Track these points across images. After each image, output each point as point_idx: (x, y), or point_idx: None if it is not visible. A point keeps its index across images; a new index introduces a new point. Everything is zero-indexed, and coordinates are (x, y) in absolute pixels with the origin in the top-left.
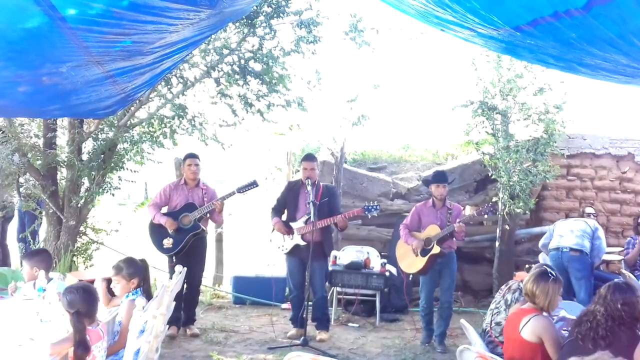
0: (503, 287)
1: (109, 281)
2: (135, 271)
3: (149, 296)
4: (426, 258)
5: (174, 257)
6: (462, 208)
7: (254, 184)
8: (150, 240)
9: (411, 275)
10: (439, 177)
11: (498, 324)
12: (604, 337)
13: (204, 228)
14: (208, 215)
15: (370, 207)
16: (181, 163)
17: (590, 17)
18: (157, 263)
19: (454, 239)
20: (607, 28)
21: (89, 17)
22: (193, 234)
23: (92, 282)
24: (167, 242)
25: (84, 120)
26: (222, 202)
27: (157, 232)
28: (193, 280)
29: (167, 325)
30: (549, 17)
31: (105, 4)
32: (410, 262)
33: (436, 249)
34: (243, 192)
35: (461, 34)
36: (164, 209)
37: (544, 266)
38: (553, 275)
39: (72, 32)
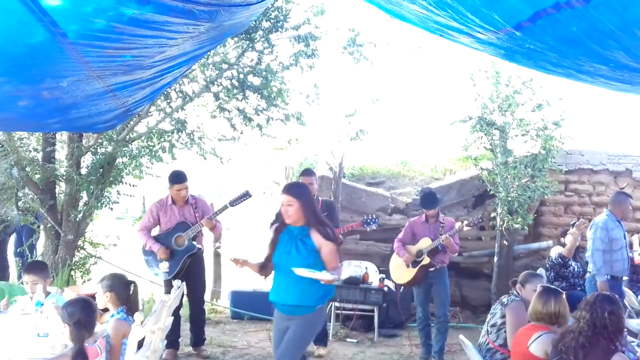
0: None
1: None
2: (111, 285)
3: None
4: (416, 269)
5: (172, 281)
6: (454, 222)
7: (246, 195)
8: (145, 267)
9: (402, 287)
10: (427, 204)
11: (493, 325)
12: (583, 347)
13: (200, 246)
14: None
15: (369, 220)
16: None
17: (591, 9)
18: (157, 278)
19: (447, 253)
20: (607, 19)
21: (90, 32)
22: (189, 254)
23: (92, 296)
24: (164, 267)
25: (83, 134)
26: (209, 220)
27: (151, 258)
28: (196, 301)
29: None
30: (550, 9)
31: (106, 19)
32: (401, 273)
33: (426, 260)
34: (236, 204)
35: (460, 40)
36: (155, 230)
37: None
38: (554, 290)
39: (73, 47)
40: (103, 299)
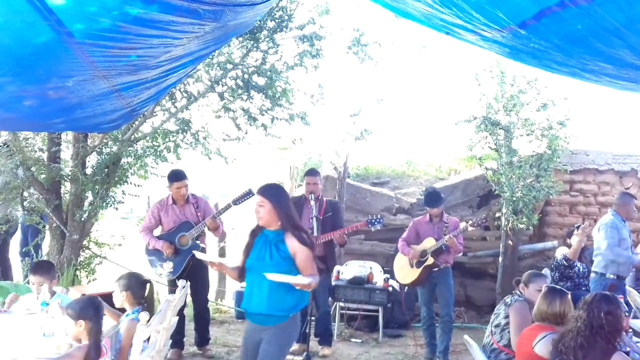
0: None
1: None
2: (128, 285)
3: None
4: (420, 269)
5: (176, 281)
6: (459, 222)
7: (249, 194)
8: (149, 268)
9: (406, 287)
10: (431, 203)
11: (497, 325)
12: (582, 347)
13: (204, 245)
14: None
15: (374, 220)
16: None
17: (596, 6)
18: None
19: (451, 253)
20: (612, 16)
21: (95, 32)
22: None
23: (102, 295)
24: (168, 267)
25: (88, 134)
26: (213, 219)
27: (154, 258)
28: (200, 300)
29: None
30: (555, 7)
31: (111, 18)
32: (406, 273)
33: (430, 260)
34: (239, 203)
35: (465, 37)
36: (157, 230)
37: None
38: (559, 290)
39: (79, 46)
40: (119, 298)
